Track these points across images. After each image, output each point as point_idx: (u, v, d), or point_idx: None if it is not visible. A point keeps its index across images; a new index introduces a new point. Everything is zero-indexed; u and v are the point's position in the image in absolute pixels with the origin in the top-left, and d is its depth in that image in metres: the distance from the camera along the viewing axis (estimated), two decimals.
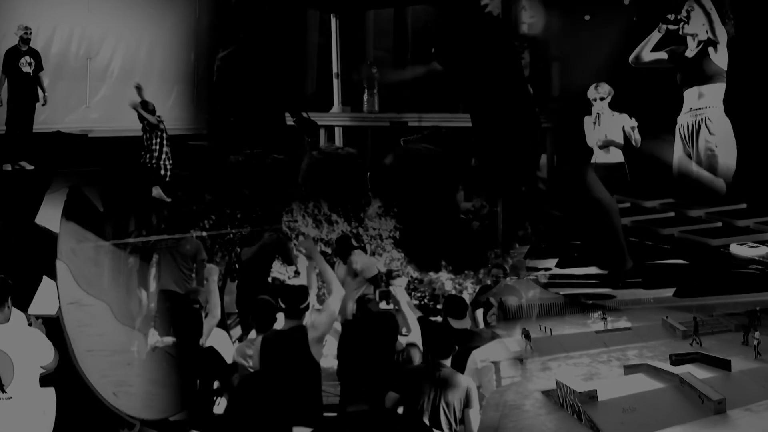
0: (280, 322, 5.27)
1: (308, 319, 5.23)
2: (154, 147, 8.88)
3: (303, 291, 5.13)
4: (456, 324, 5.88)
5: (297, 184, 9.04)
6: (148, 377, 4.60)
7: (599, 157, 8.34)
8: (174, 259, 7.73)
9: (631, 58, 8.00)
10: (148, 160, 8.91)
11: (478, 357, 5.72)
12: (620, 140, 8.22)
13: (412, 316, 5.67)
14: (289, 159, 9.32)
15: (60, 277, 4.57)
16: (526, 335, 6.47)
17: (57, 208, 4.79)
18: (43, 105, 9.05)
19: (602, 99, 8.19)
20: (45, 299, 5.40)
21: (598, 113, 8.22)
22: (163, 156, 8.94)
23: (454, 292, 8.86)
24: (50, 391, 4.48)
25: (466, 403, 4.88)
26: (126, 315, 4.97)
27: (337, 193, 8.89)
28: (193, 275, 7.80)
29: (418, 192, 8.61)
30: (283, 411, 4.65)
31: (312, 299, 5.54)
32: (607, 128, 8.26)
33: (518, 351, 6.32)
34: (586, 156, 8.37)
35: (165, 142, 8.95)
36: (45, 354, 4.25)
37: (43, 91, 9.04)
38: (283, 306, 5.09)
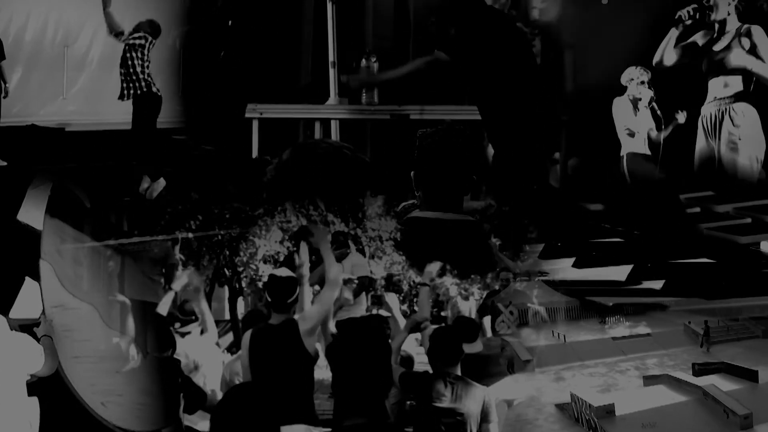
0: None
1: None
2: (137, 63, 8.73)
3: (291, 283, 5.13)
4: (467, 348, 5.91)
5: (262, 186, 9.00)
6: (139, 386, 4.61)
7: (629, 146, 8.36)
8: (139, 265, 7.69)
9: (654, 61, 8.05)
10: (137, 87, 8.75)
11: (492, 395, 5.68)
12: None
13: (404, 323, 5.73)
14: (218, 150, 9.28)
15: (44, 278, 4.58)
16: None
17: (40, 204, 4.81)
18: (4, 98, 9.02)
19: (642, 83, 8.22)
20: (28, 302, 5.41)
21: (636, 97, 8.24)
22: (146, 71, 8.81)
23: (459, 297, 8.90)
24: (34, 401, 4.49)
25: (485, 417, 4.85)
26: (115, 318, 4.99)
27: (321, 194, 8.91)
28: (163, 281, 7.77)
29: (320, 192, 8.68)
30: (274, 409, 4.68)
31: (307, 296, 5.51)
32: (646, 115, 8.28)
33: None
34: (602, 150, 8.42)
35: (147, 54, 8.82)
36: (32, 360, 4.25)
37: (5, 81, 9.00)
38: (269, 300, 5.12)
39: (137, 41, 8.74)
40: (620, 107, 8.40)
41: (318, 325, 5.14)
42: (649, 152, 8.31)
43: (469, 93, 8.76)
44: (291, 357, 4.94)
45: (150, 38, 8.83)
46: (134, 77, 8.66)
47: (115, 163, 8.64)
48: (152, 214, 8.62)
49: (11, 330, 4.42)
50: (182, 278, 6.01)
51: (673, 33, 7.97)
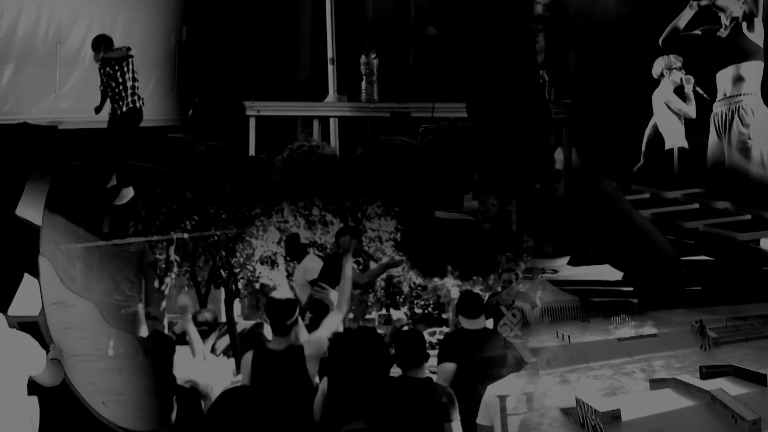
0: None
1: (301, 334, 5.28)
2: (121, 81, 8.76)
3: (290, 305, 5.11)
4: (468, 324, 5.87)
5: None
6: (140, 385, 4.63)
7: (675, 139, 8.35)
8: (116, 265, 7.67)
9: (661, 39, 7.98)
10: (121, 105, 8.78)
11: (487, 393, 5.50)
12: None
13: None
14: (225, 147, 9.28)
15: (43, 274, 4.61)
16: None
17: (39, 200, 4.83)
18: None
19: (680, 69, 8.21)
20: (26, 299, 5.43)
21: (678, 84, 8.24)
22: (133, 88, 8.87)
23: None
24: (33, 400, 4.51)
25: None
26: (116, 316, 5.01)
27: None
28: (143, 281, 7.77)
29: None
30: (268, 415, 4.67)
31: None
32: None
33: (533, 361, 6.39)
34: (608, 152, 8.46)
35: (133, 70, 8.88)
36: (32, 359, 4.28)
37: None
38: (267, 321, 5.10)
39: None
40: (663, 98, 8.38)
41: (323, 351, 5.12)
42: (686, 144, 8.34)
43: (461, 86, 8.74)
44: (294, 386, 4.89)
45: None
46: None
47: (104, 161, 8.67)
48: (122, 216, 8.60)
49: (10, 327, 4.46)
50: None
51: (686, 12, 7.88)
